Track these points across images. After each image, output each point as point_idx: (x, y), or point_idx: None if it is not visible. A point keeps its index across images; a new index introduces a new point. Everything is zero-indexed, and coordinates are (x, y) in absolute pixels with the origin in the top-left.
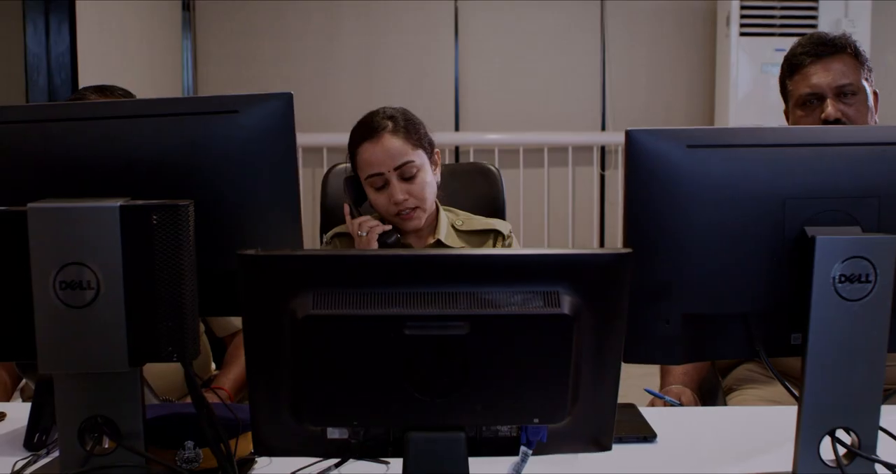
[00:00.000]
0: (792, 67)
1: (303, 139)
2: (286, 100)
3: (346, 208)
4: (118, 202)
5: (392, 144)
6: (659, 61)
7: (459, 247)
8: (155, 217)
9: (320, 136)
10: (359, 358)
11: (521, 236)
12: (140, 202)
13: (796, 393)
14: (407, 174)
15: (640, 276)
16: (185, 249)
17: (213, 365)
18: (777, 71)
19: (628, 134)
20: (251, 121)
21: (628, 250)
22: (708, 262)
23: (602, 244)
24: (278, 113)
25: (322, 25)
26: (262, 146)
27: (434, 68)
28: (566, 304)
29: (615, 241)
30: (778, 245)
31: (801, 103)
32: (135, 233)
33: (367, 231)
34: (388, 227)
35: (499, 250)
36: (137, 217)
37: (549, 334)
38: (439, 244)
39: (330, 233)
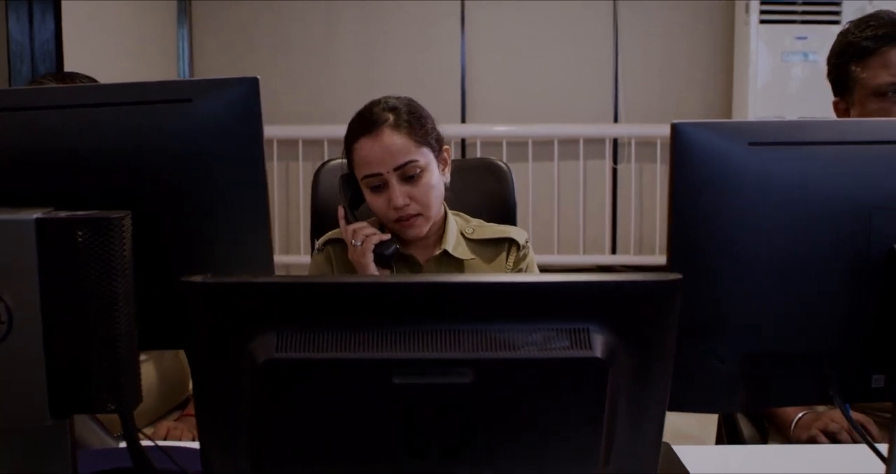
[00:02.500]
0: (862, 51)
1: (303, 131)
2: (250, 86)
3: (341, 211)
4: (34, 214)
5: (392, 141)
6: (674, 50)
7: (469, 259)
8: (80, 233)
9: (321, 128)
10: (336, 413)
11: (530, 233)
12: (62, 214)
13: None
14: (409, 175)
15: (688, 306)
16: (119, 272)
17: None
18: (799, 59)
19: (675, 128)
20: (208, 112)
21: (677, 276)
22: (773, 289)
23: (615, 241)
24: (241, 101)
25: (323, 12)
26: (221, 142)
27: (439, 57)
28: (599, 345)
29: (628, 238)
30: (861, 266)
31: (878, 93)
32: (55, 252)
33: (362, 240)
34: (387, 237)
35: (512, 276)
36: (58, 233)
37: (576, 382)
38: (446, 255)
39: (322, 239)
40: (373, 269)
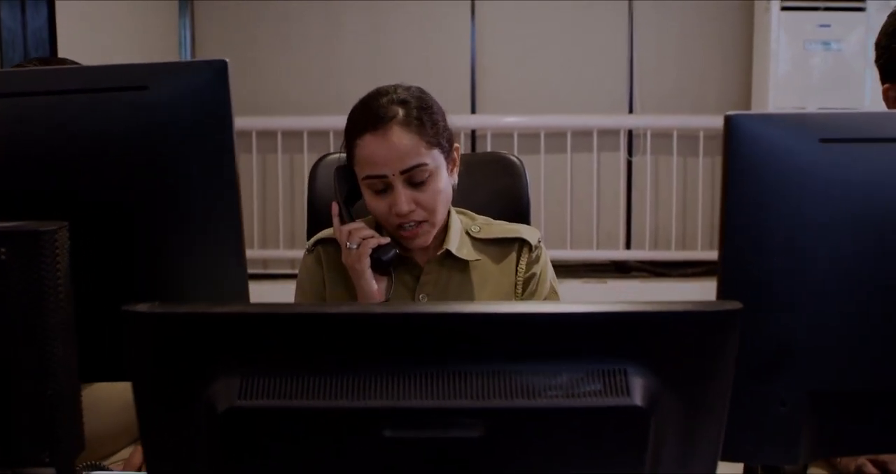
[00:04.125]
0: None
1: (308, 122)
2: (217, 70)
3: (335, 208)
4: None
5: (401, 142)
6: (691, 38)
7: (475, 260)
8: (3, 249)
9: (326, 119)
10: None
11: (542, 227)
12: None
13: None
14: (416, 180)
15: (743, 338)
16: (52, 296)
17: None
18: (820, 48)
19: (730, 121)
20: (167, 101)
21: (735, 305)
22: (848, 314)
23: (629, 235)
24: (207, 89)
25: None
26: (183, 137)
27: (449, 45)
28: (639, 390)
29: (643, 232)
30: None
31: None
32: None
33: (358, 243)
34: (386, 240)
35: (531, 306)
36: None
37: (611, 436)
38: (449, 256)
39: (313, 239)
40: (369, 275)
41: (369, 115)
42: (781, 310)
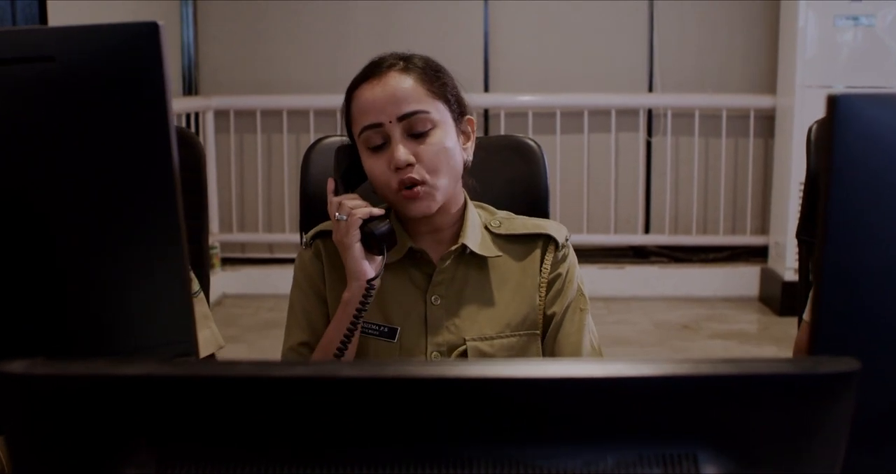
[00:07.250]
0: None
1: (316, 101)
2: (146, 35)
3: (331, 184)
4: None
5: (398, 85)
6: (714, 11)
7: (494, 257)
8: None
9: (333, 98)
10: None
11: (557, 211)
12: None
13: None
14: (416, 130)
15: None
16: None
17: None
18: (850, 24)
19: (835, 102)
20: (78, 76)
21: (852, 365)
22: None
23: (648, 219)
24: (130, 60)
25: None
26: (99, 119)
27: (461, 21)
28: None
29: (662, 216)
30: None
31: None
32: None
33: (347, 214)
34: (380, 212)
35: (564, 365)
36: None
37: None
38: (464, 251)
39: (311, 233)
40: (357, 251)
41: (368, 67)
42: None
